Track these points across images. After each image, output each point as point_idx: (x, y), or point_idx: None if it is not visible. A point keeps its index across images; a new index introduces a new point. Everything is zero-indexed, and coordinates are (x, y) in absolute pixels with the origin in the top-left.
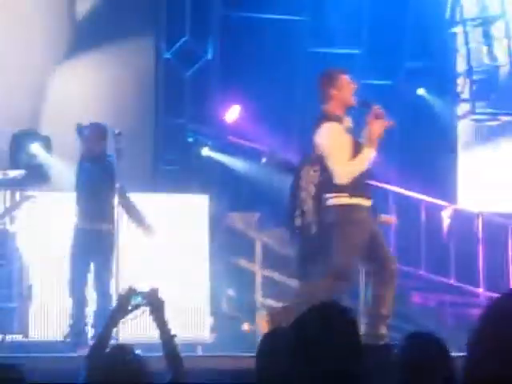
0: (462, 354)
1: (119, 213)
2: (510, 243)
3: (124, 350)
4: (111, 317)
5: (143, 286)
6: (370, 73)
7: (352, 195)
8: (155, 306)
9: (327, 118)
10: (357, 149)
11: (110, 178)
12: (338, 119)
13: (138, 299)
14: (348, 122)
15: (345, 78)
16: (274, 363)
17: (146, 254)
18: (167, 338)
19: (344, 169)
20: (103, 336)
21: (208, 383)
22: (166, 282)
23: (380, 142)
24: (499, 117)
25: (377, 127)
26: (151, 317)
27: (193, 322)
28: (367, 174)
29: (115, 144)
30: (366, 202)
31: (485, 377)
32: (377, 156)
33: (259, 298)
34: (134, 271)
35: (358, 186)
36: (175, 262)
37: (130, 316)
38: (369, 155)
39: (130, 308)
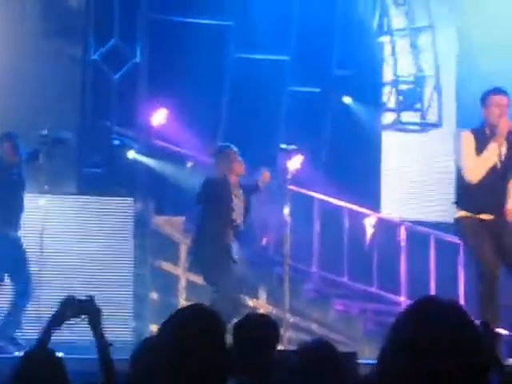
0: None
1: (40, 219)
2: (432, 252)
3: (44, 353)
4: (50, 323)
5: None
6: (298, 80)
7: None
8: (92, 314)
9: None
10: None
11: (23, 184)
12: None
13: (77, 307)
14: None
15: (492, 98)
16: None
17: (70, 258)
18: (103, 345)
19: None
20: (41, 342)
21: None
22: (89, 285)
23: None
24: (424, 127)
25: (504, 124)
26: (89, 325)
27: (116, 325)
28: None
29: (41, 145)
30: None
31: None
32: (303, 163)
33: (182, 301)
34: (57, 274)
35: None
36: (99, 266)
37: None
38: (492, 149)
39: (69, 315)
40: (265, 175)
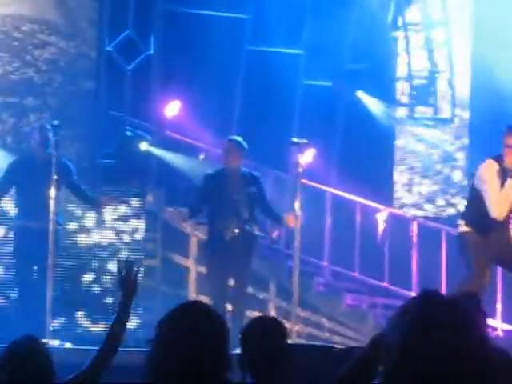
0: None
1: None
2: (443, 248)
3: (32, 342)
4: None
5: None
6: (311, 73)
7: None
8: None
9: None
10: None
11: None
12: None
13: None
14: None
15: (506, 139)
16: None
17: (83, 248)
18: (124, 319)
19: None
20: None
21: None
22: (101, 277)
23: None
24: (437, 122)
25: None
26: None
27: None
28: None
29: (54, 135)
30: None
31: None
32: (316, 156)
33: (192, 294)
34: (69, 265)
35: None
36: (111, 258)
37: None
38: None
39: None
40: (289, 220)
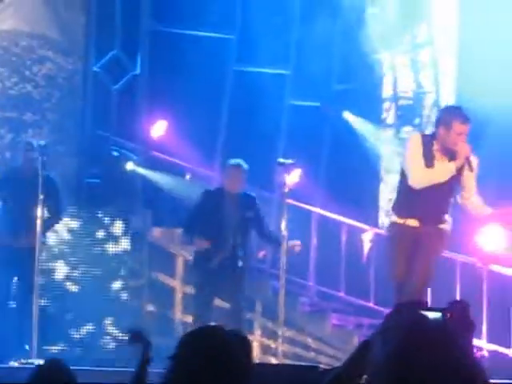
0: None
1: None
2: None
3: (56, 365)
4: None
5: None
6: (297, 94)
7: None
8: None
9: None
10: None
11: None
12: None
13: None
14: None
15: (457, 126)
16: None
17: (67, 268)
18: (143, 372)
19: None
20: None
21: None
22: (86, 296)
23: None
24: None
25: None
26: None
27: (111, 335)
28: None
29: (40, 156)
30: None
31: None
32: (302, 177)
33: (178, 314)
34: (53, 283)
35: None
36: (96, 277)
37: None
38: (448, 168)
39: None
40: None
